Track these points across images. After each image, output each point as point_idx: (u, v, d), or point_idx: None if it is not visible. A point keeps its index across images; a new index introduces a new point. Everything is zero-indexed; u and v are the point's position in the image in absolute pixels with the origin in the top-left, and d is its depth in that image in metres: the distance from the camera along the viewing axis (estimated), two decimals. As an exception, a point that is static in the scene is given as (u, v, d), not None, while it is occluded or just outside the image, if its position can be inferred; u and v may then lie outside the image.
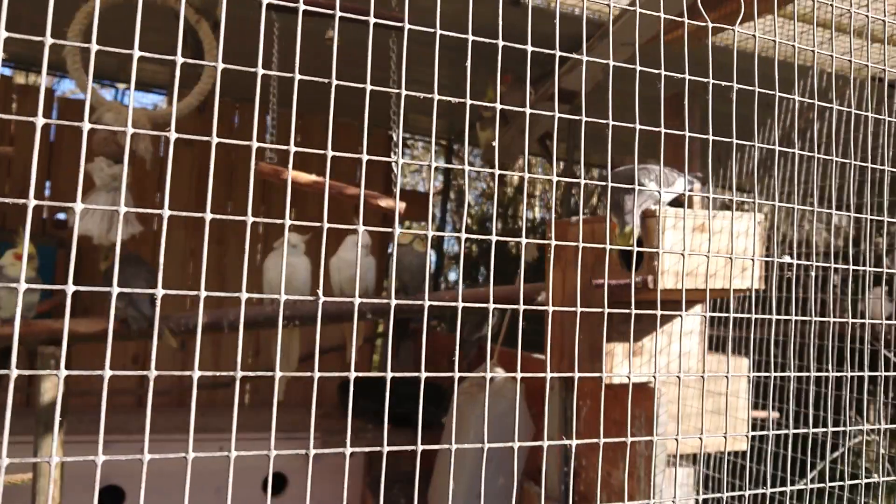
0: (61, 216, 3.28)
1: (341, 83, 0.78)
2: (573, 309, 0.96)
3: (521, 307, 0.94)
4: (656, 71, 0.97)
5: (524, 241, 0.93)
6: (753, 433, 1.06)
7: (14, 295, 1.89)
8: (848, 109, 1.12)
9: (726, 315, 0.93)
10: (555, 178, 1.02)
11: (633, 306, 0.91)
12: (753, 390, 1.90)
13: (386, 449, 0.79)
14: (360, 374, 0.86)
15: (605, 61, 0.97)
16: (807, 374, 1.08)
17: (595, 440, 0.92)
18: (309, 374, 0.77)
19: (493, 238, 0.89)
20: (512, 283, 2.60)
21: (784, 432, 1.00)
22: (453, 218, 5.25)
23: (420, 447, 0.81)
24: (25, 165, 3.27)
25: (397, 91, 0.82)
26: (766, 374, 1.06)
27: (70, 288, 0.64)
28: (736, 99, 1.01)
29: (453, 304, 0.87)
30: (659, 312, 0.97)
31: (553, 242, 1.02)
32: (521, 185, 4.49)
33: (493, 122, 2.80)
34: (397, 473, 2.94)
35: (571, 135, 2.54)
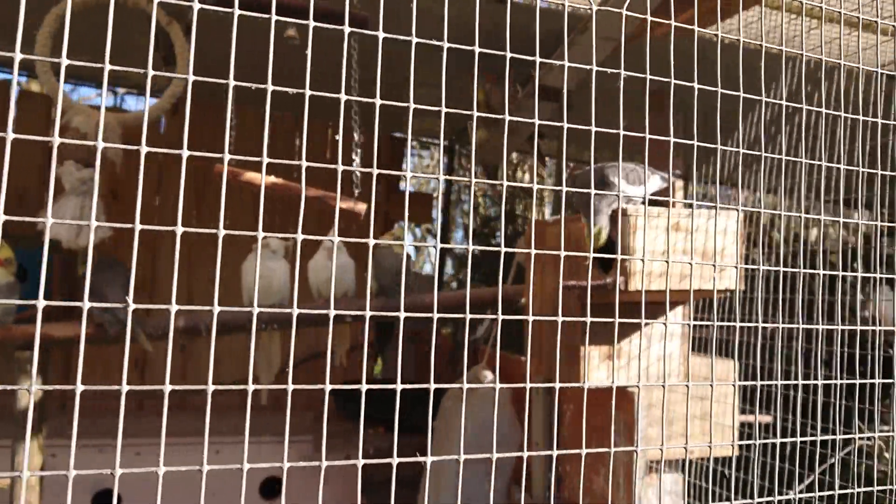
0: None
1: (315, 93, 0.77)
2: (550, 318, 0.92)
3: (500, 317, 0.91)
4: (641, 75, 0.94)
5: (503, 249, 0.91)
6: (747, 442, 1.02)
7: (-8, 300, 1.89)
8: (818, 110, 1.08)
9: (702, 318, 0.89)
10: (535, 187, 0.98)
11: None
12: (741, 395, 1.84)
13: (361, 462, 0.79)
14: (336, 387, 0.84)
15: (586, 67, 0.94)
16: (814, 382, 1.04)
17: (576, 451, 0.88)
18: (283, 386, 0.76)
19: (470, 247, 0.86)
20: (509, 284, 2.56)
21: (795, 440, 0.96)
22: (464, 219, 5.22)
23: (396, 460, 0.81)
24: (22, 173, 3.29)
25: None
26: (771, 382, 1.01)
27: (41, 303, 0.65)
28: (721, 92, 0.98)
29: (428, 315, 0.86)
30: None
31: (533, 252, 0.98)
32: (519, 188, 4.45)
33: (482, 121, 2.76)
34: (387, 480, 2.90)
35: (561, 133, 2.49)
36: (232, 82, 0.74)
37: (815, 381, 1.10)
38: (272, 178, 1.42)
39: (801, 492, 1.54)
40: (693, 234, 1.47)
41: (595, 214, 1.34)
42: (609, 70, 0.98)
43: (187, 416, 3.20)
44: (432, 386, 0.87)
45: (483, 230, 4.82)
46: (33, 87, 4.11)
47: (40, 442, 1.87)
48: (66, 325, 1.84)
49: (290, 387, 0.79)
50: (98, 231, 1.66)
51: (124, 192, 3.32)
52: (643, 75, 0.97)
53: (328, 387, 0.82)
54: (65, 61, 0.69)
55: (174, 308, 0.71)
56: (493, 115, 0.98)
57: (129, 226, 0.68)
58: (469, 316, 0.86)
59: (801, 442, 1.11)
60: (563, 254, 0.99)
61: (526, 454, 0.87)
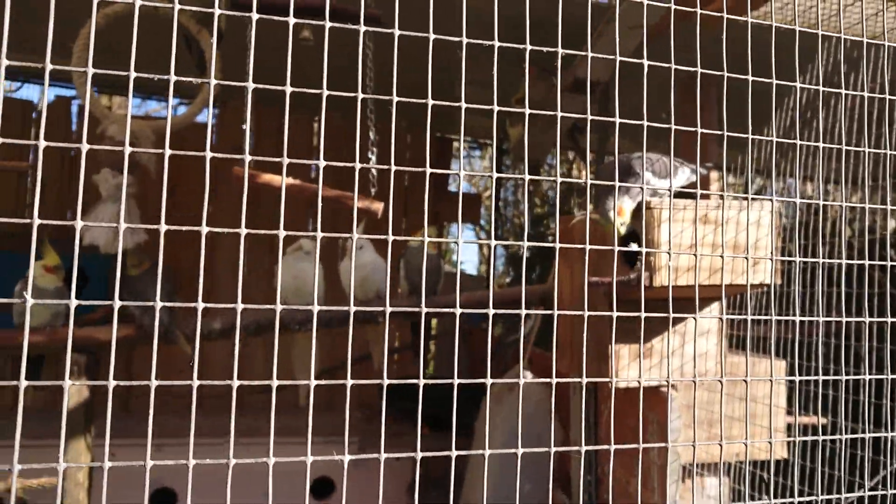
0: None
1: (333, 93, 0.78)
2: (574, 312, 0.91)
3: (523, 311, 0.90)
4: (666, 65, 0.91)
5: (525, 244, 0.90)
6: (788, 439, 0.97)
7: (44, 305, 1.96)
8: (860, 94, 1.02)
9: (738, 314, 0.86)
10: (559, 180, 0.96)
11: (612, 310, 0.85)
12: (788, 395, 1.76)
13: (419, 455, 0.79)
14: (392, 382, 0.85)
15: (610, 57, 0.92)
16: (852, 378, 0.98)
17: (605, 447, 0.86)
18: (342, 381, 0.78)
19: (493, 242, 0.84)
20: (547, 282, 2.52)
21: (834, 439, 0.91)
22: (513, 220, 5.17)
23: (455, 452, 0.82)
24: (44, 181, 3.42)
25: (426, 102, 0.80)
26: (811, 377, 0.96)
27: (73, 302, 0.68)
28: (754, 77, 0.94)
29: (450, 310, 0.86)
30: (642, 313, 0.91)
31: (558, 245, 0.96)
32: (554, 185, 4.39)
33: (521, 116, 2.72)
34: (436, 478, 2.90)
35: (599, 126, 2.44)
36: (251, 84, 0.75)
37: (851, 378, 1.04)
38: (290, 180, 1.43)
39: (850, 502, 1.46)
40: (724, 227, 1.41)
41: (607, 208, 1.30)
42: (634, 60, 0.96)
43: (240, 417, 3.25)
44: (489, 381, 0.86)
45: (538, 229, 4.76)
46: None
47: (88, 441, 1.94)
48: (108, 329, 1.90)
49: (349, 382, 0.79)
50: (133, 235, 1.70)
51: (158, 197, 3.40)
52: (668, 65, 0.94)
53: (385, 381, 0.83)
54: (90, 70, 0.71)
55: (200, 306, 0.73)
56: (543, 112, 0.97)
57: (155, 227, 0.70)
58: (492, 311, 0.85)
59: (850, 444, 1.05)
60: (579, 247, 0.96)
61: (553, 450, 0.85)
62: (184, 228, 0.73)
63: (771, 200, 1.35)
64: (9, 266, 2.16)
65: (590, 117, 0.94)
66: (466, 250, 5.45)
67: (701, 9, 1.10)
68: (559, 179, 0.99)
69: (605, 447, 0.90)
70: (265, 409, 3.41)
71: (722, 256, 0.95)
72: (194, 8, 0.72)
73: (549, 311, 0.98)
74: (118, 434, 2.65)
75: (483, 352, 3.33)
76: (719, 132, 0.96)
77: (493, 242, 0.80)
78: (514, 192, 4.48)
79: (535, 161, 2.76)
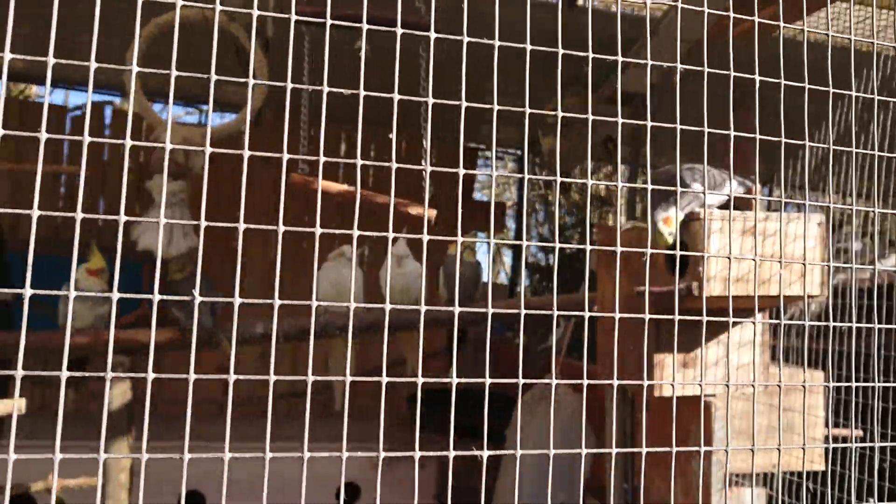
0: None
1: (370, 93, 0.80)
2: (607, 314, 0.92)
3: (555, 312, 0.92)
4: (724, 72, 0.93)
5: (557, 245, 0.91)
6: (827, 446, 0.98)
7: (87, 307, 2.00)
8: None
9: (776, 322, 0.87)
10: (589, 182, 0.98)
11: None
12: (830, 406, 1.76)
13: (453, 453, 0.80)
14: (427, 380, 0.86)
15: (666, 64, 0.94)
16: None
17: (636, 450, 0.88)
18: (377, 378, 0.79)
19: (524, 243, 0.86)
20: (577, 292, 2.53)
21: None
22: (538, 229, 5.19)
23: (486, 452, 0.83)
24: (116, 186, 3.48)
25: (459, 104, 0.82)
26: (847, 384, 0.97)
27: (115, 295, 0.70)
28: (794, 93, 0.95)
29: (482, 310, 0.87)
30: (676, 317, 0.92)
31: (588, 247, 0.98)
32: (589, 192, 4.40)
33: (554, 128, 2.74)
34: (465, 487, 2.90)
35: (634, 139, 2.46)
36: (289, 84, 0.77)
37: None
38: (344, 186, 1.46)
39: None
40: (770, 238, 1.42)
41: (655, 218, 1.32)
42: (680, 67, 0.97)
43: (261, 421, 3.28)
44: (520, 381, 0.87)
45: (563, 238, 4.77)
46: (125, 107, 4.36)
47: (129, 442, 1.97)
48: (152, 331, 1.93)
49: (385, 379, 0.80)
50: (186, 240, 1.73)
51: (210, 204, 3.44)
52: (726, 72, 0.95)
53: (420, 380, 0.84)
54: (135, 68, 0.73)
55: (237, 301, 0.74)
56: (576, 115, 0.99)
57: (196, 222, 0.72)
58: (524, 311, 0.87)
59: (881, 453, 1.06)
60: (619, 250, 0.98)
61: (583, 451, 0.86)
62: (220, 225, 0.74)
63: (820, 212, 1.36)
64: (54, 269, 2.20)
65: (620, 120, 0.95)
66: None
67: (746, 21, 1.12)
68: (590, 181, 1.00)
69: (637, 450, 0.91)
70: (290, 414, 3.44)
71: (780, 261, 0.97)
72: (231, 8, 0.75)
73: (581, 314, 0.99)
74: (152, 437, 2.68)
75: (508, 362, 3.34)
76: (757, 137, 0.97)
77: (525, 243, 0.81)
78: (542, 203, 4.50)
79: (566, 173, 2.78)
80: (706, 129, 0.97)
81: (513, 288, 4.13)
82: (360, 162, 0.79)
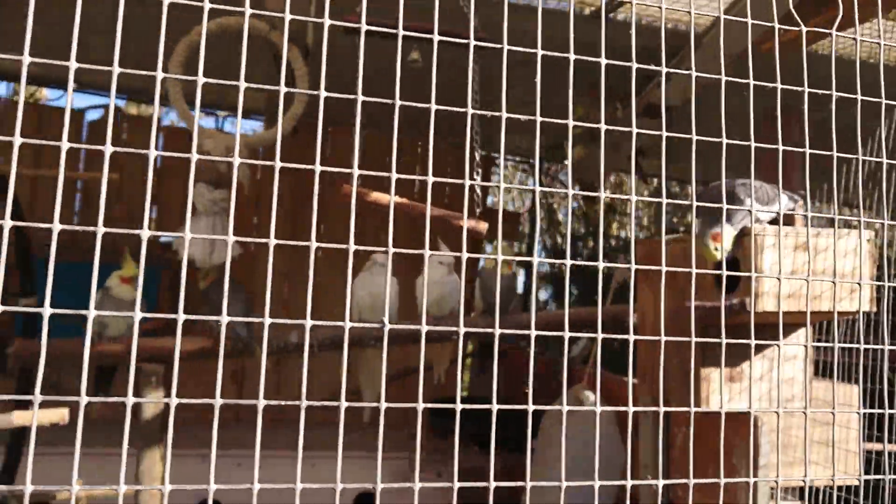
0: (166, 239, 3.46)
1: (406, 103, 0.80)
2: (655, 338, 0.92)
3: (599, 335, 0.92)
4: (771, 85, 0.94)
5: (601, 265, 0.91)
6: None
7: (120, 315, 1.99)
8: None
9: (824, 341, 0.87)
10: (633, 198, 0.98)
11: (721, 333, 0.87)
12: (867, 421, 1.77)
13: (456, 485, 0.79)
14: (428, 406, 0.85)
15: (714, 77, 0.94)
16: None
17: (682, 481, 0.87)
18: (335, 402, 0.77)
19: (568, 262, 0.86)
20: (603, 304, 2.53)
21: None
22: (543, 237, 5.19)
23: (493, 484, 0.82)
24: (133, 192, 3.47)
25: (497, 114, 0.82)
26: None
27: (181, 317, 0.69)
28: (837, 108, 0.96)
29: (526, 332, 0.86)
30: (723, 339, 0.92)
31: (633, 266, 0.98)
32: (611, 204, 4.41)
33: (580, 138, 2.76)
34: (485, 499, 2.88)
35: (661, 152, 2.46)
36: (323, 93, 0.76)
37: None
38: (398, 198, 1.46)
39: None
40: (821, 254, 1.43)
41: (726, 227, 1.32)
42: (711, 76, 0.97)
43: (284, 429, 3.27)
44: (531, 407, 0.86)
45: (572, 250, 4.78)
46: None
47: (162, 452, 1.96)
48: (187, 340, 1.93)
49: (343, 404, 0.79)
50: (227, 250, 1.73)
51: (248, 219, 3.43)
52: (773, 85, 0.95)
53: (420, 405, 0.83)
54: (160, 74, 0.73)
55: (267, 321, 0.74)
56: (591, 125, 0.98)
57: (223, 237, 0.72)
58: (568, 334, 0.86)
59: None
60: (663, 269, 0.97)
61: (630, 483, 0.86)
62: (247, 240, 0.74)
63: (866, 229, 1.36)
64: (85, 275, 2.19)
65: (635, 130, 0.95)
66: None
67: (791, 31, 1.13)
68: (634, 197, 1.00)
69: (684, 481, 0.90)
70: (315, 424, 3.43)
71: (833, 282, 0.97)
72: (266, 13, 0.75)
73: (625, 336, 0.98)
74: (186, 445, 2.68)
75: (525, 372, 3.34)
76: (800, 149, 0.97)
77: (569, 262, 0.81)
78: (564, 211, 4.49)
79: (591, 183, 2.79)
80: (752, 144, 0.97)
81: (525, 301, 4.13)
82: (394, 176, 0.78)
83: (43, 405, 0.71)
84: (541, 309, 4.23)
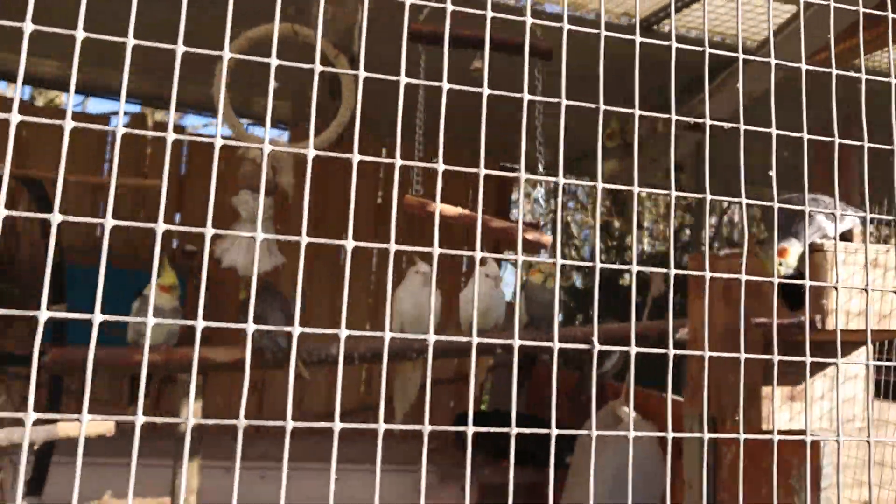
0: (190, 247, 3.43)
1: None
2: (698, 353, 0.89)
3: (633, 349, 0.88)
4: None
5: (672, 272, 0.88)
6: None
7: (156, 324, 1.96)
8: None
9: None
10: (708, 197, 0.95)
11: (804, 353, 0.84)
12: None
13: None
14: (437, 428, 0.81)
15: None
16: None
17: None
18: (330, 424, 0.73)
19: (635, 268, 0.83)
20: (627, 320, 2.50)
21: None
22: (563, 250, 5.16)
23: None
24: (157, 199, 3.45)
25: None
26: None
27: (200, 323, 0.65)
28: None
29: (585, 346, 0.83)
30: (776, 357, 0.89)
31: (672, 271, 0.95)
32: (632, 217, 4.37)
33: (615, 152, 2.74)
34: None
35: (700, 167, 2.44)
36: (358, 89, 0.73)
37: None
38: (459, 210, 1.43)
39: None
40: (891, 272, 1.40)
41: (793, 242, 1.29)
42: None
43: (307, 439, 3.22)
44: (553, 431, 0.83)
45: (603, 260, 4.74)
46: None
47: (199, 463, 1.92)
48: (226, 350, 1.90)
49: (290, 424, 0.75)
50: (272, 259, 1.71)
51: (300, 219, 3.41)
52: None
53: (426, 427, 0.79)
54: (175, 75, 0.69)
55: (297, 331, 0.69)
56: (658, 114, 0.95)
57: (297, 238, 0.68)
58: (634, 348, 0.82)
59: None
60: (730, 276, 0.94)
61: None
62: (284, 237, 0.70)
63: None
64: (123, 283, 2.17)
65: (674, 116, 0.91)
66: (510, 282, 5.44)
67: (836, 50, 1.10)
68: (673, 194, 0.96)
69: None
70: (354, 435, 3.39)
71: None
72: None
73: (663, 351, 0.94)
74: (221, 456, 2.63)
75: (543, 385, 3.30)
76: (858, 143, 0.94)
77: (635, 268, 0.78)
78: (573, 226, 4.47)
79: (623, 199, 2.76)
80: (836, 140, 0.94)
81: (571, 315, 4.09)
82: (441, 167, 0.75)
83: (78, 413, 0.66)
84: (565, 325, 4.19)
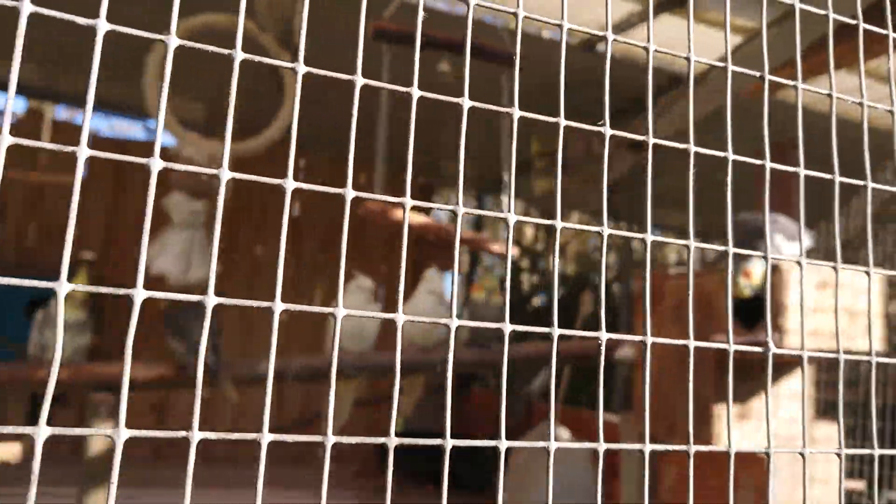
0: (88, 255, 3.18)
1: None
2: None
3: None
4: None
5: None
6: None
7: (67, 338, 1.78)
8: None
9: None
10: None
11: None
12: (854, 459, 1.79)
13: None
14: (343, 439, 0.76)
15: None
16: None
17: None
18: (185, 434, 0.67)
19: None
20: (568, 339, 2.50)
21: None
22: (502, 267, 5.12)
23: None
24: (65, 203, 3.19)
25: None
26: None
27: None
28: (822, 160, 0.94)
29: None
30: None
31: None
32: (553, 241, 4.42)
33: (546, 172, 2.73)
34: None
35: (636, 189, 2.48)
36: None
37: None
38: (425, 219, 1.36)
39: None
40: (840, 291, 1.43)
41: (755, 262, 1.30)
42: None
43: (213, 464, 3.04)
44: (503, 444, 0.79)
45: (511, 286, 4.73)
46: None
47: (106, 493, 1.74)
48: (146, 367, 1.74)
49: (196, 436, 0.69)
50: (205, 268, 1.57)
51: (233, 226, 3.22)
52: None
53: (330, 439, 0.73)
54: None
55: (211, 301, 0.63)
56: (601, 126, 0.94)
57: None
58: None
59: None
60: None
61: None
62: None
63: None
64: (17, 293, 1.97)
65: (608, 131, 0.91)
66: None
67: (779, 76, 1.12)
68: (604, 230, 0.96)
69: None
70: (275, 460, 3.21)
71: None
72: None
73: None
74: (147, 483, 2.41)
75: (476, 405, 3.25)
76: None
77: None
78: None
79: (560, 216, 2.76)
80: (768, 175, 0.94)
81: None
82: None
83: None
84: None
